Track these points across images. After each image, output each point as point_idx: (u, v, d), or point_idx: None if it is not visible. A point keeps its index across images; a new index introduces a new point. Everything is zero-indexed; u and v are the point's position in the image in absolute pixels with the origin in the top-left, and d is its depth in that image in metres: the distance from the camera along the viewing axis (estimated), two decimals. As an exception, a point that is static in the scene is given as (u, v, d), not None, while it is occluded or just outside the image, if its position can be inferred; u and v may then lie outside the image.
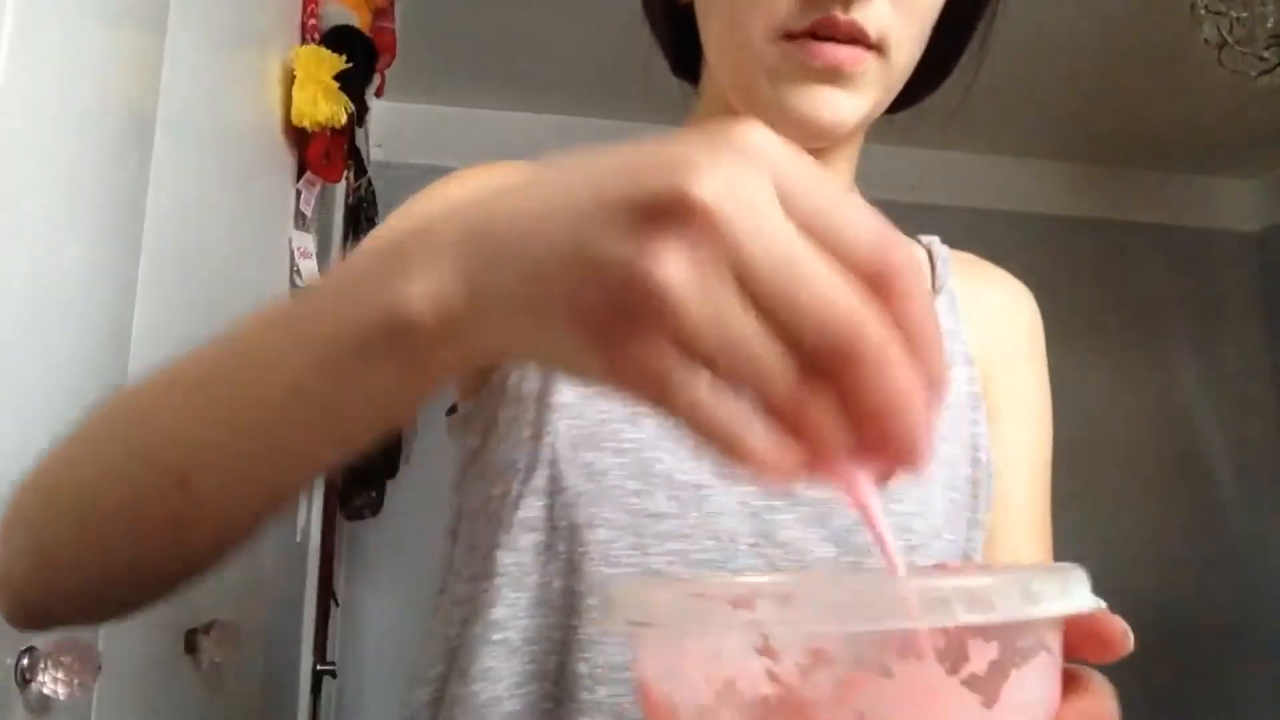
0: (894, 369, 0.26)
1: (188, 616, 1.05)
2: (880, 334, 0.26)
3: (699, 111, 0.68)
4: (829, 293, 0.26)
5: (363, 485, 2.46)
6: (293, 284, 1.58)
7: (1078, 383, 3.38)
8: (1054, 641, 0.29)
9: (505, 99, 3.05)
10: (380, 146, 3.02)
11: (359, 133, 2.01)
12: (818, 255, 0.26)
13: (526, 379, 0.60)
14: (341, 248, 2.26)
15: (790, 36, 0.55)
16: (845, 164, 0.67)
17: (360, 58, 1.64)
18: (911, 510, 0.62)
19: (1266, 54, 1.96)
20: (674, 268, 0.26)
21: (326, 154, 1.60)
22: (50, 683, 0.64)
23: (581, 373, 0.30)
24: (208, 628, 1.04)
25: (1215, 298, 3.58)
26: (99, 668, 0.68)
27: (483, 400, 0.63)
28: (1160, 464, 3.41)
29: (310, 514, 1.97)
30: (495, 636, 0.56)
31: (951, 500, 0.64)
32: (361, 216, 2.44)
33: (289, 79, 1.54)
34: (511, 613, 0.56)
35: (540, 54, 2.79)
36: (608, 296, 0.27)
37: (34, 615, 0.47)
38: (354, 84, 1.60)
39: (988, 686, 0.27)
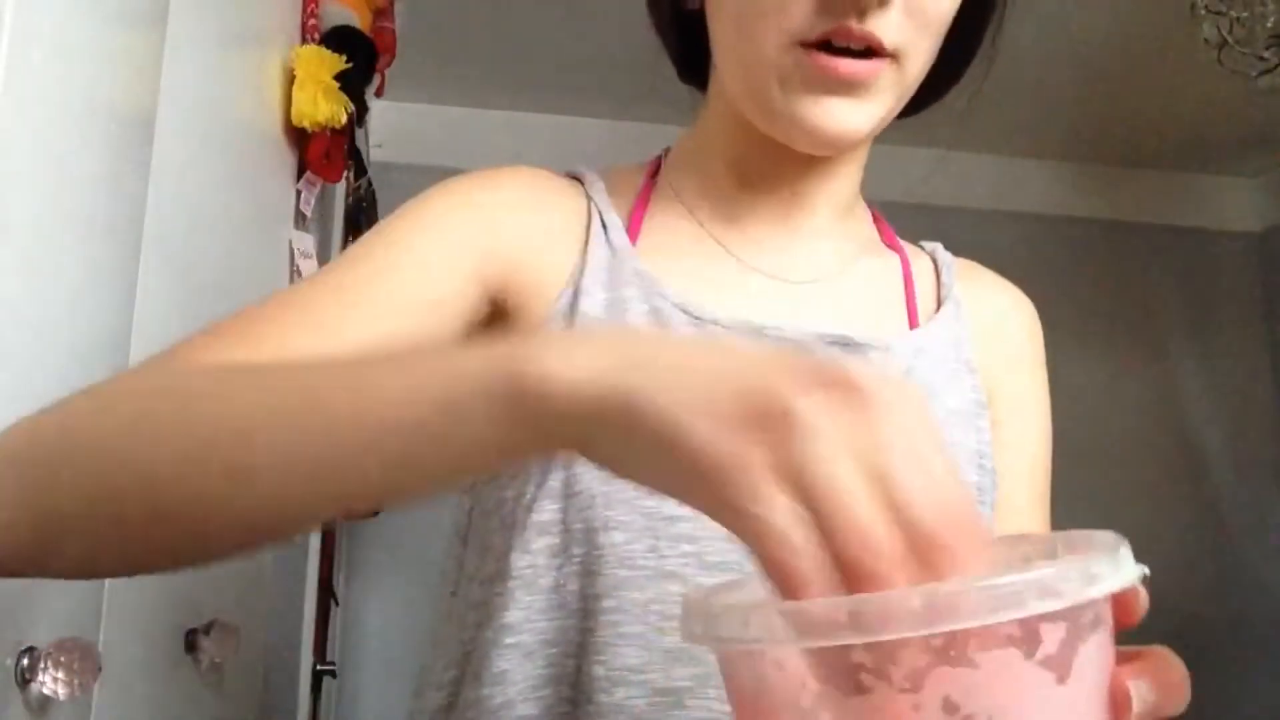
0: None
1: (188, 616, 1.05)
2: (885, 573, 0.29)
3: (706, 117, 0.68)
4: (862, 532, 0.29)
5: (363, 485, 2.46)
6: (292, 284, 1.58)
7: (1078, 382, 3.39)
8: (1107, 613, 0.32)
9: (505, 99, 3.05)
10: (380, 146, 3.02)
11: (359, 133, 2.01)
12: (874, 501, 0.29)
13: None
14: (341, 247, 2.26)
15: (804, 45, 0.55)
16: (854, 167, 0.67)
17: (360, 58, 1.64)
18: None
19: (1266, 54, 1.96)
20: (814, 406, 0.30)
21: (326, 154, 1.60)
22: (50, 683, 0.64)
23: (682, 457, 0.31)
24: (208, 628, 1.04)
25: (1215, 298, 3.58)
26: (99, 668, 0.67)
27: None
28: (1160, 463, 3.41)
29: (310, 514, 1.97)
30: (509, 640, 0.56)
31: None
32: (361, 216, 2.44)
33: (289, 79, 1.54)
34: (525, 615, 0.56)
35: (540, 54, 2.79)
36: (746, 404, 0.31)
37: (7, 557, 0.44)
38: (354, 84, 1.60)
39: (1060, 663, 0.29)
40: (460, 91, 3.03)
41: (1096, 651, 0.31)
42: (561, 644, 0.56)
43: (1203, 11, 1.99)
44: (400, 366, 0.40)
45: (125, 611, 0.85)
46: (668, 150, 0.72)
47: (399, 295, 0.56)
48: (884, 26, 0.55)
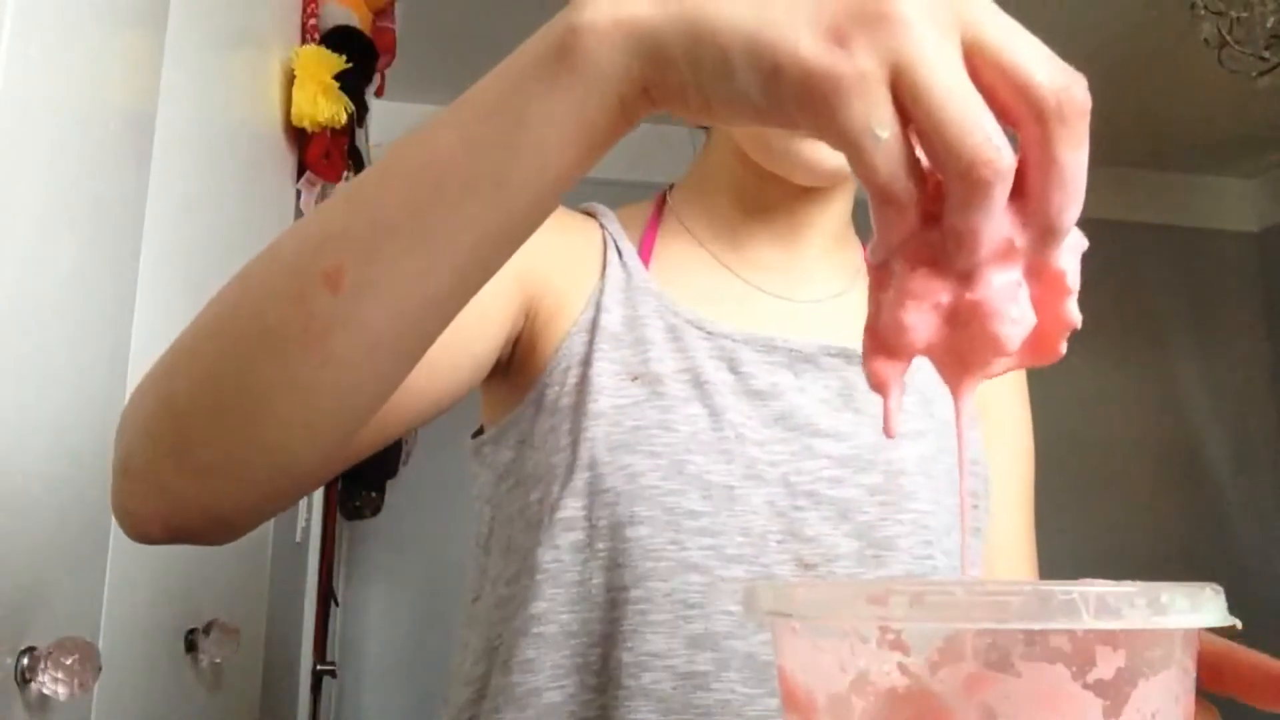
0: (987, 211, 0.29)
1: (188, 616, 1.05)
2: (993, 174, 0.28)
3: (710, 153, 0.72)
4: (970, 121, 0.28)
5: (363, 485, 2.46)
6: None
7: (1078, 382, 3.39)
8: (1188, 659, 0.30)
9: (505, 99, 3.05)
10: (380, 146, 3.02)
11: (359, 133, 2.01)
12: (973, 93, 0.29)
13: (564, 394, 0.63)
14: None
15: None
16: (846, 198, 0.71)
17: (360, 58, 1.64)
18: (926, 509, 0.65)
19: (1266, 54, 1.96)
20: (917, 5, 0.29)
21: (326, 154, 1.60)
22: (50, 683, 0.64)
23: (781, 68, 0.30)
24: (208, 628, 1.04)
25: (1215, 298, 3.59)
26: (99, 668, 0.68)
27: (516, 417, 0.66)
28: (1160, 463, 3.41)
29: (310, 514, 1.97)
30: (535, 630, 0.59)
31: (956, 504, 0.67)
32: (361, 216, 2.44)
33: (289, 79, 1.54)
34: (550, 607, 0.59)
35: (540, 54, 2.79)
36: (847, 7, 0.29)
37: (150, 498, 0.43)
38: (354, 84, 1.60)
39: (1114, 693, 0.27)
40: (460, 92, 3.02)
41: (1163, 694, 0.29)
42: (585, 634, 0.59)
43: (1203, 11, 1.99)
44: (453, 107, 0.38)
45: (125, 611, 0.85)
46: (671, 186, 0.76)
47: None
48: None
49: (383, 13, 1.92)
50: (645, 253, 0.70)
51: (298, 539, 1.84)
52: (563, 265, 0.66)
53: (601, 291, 0.66)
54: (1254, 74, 2.00)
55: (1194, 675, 0.31)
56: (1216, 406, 3.50)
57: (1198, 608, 0.28)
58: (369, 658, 2.87)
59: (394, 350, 0.39)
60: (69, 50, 0.72)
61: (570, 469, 0.60)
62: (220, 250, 1.21)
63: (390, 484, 2.55)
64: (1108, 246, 3.49)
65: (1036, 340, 0.33)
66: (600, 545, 0.59)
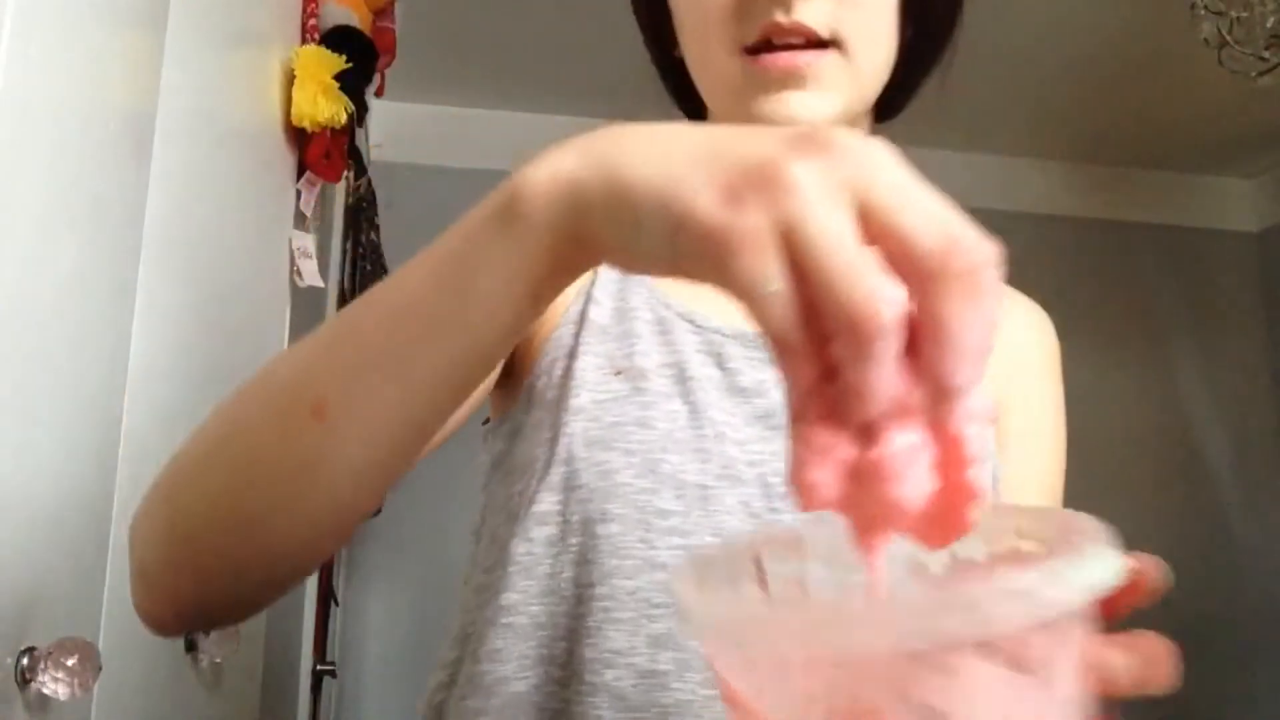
0: (875, 365, 0.29)
1: (188, 616, 1.05)
2: (876, 328, 0.28)
3: None
4: (854, 277, 0.29)
5: (363, 485, 2.46)
6: (292, 284, 1.58)
7: (1077, 382, 3.37)
8: (1091, 610, 0.31)
9: (505, 99, 3.05)
10: (380, 146, 3.02)
11: (359, 133, 2.01)
12: (858, 250, 0.29)
13: (550, 387, 0.63)
14: (342, 248, 2.26)
15: (749, 51, 0.58)
16: None
17: (360, 58, 1.64)
18: None
19: (1266, 54, 1.96)
20: (807, 169, 0.30)
21: (326, 154, 1.60)
22: (50, 683, 0.64)
23: (665, 211, 0.32)
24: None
25: (1215, 298, 3.58)
26: (99, 668, 0.68)
27: (513, 409, 0.66)
28: (1160, 463, 3.41)
29: (310, 514, 1.97)
30: (505, 620, 0.59)
31: None
32: (361, 216, 2.44)
33: (289, 79, 1.54)
34: (522, 598, 0.59)
35: (540, 54, 2.79)
36: (742, 170, 0.31)
37: (167, 602, 0.48)
38: (354, 84, 1.60)
39: (1041, 665, 0.29)
40: (460, 91, 3.03)
41: (1074, 649, 0.31)
42: (552, 627, 0.59)
43: (1203, 11, 1.99)
44: (423, 254, 0.41)
45: (125, 611, 0.85)
46: None
47: None
48: (813, 16, 0.57)
49: (383, 13, 1.92)
50: None
51: (298, 539, 1.84)
52: None
53: (593, 284, 0.66)
54: (1254, 74, 2.00)
55: (1095, 617, 0.32)
56: (1216, 406, 3.50)
57: (1105, 569, 0.29)
58: (369, 658, 2.87)
59: (379, 468, 0.43)
60: (69, 50, 0.72)
61: (548, 463, 0.60)
62: (220, 250, 1.21)
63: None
64: (1108, 246, 3.50)
65: (940, 508, 0.32)
66: (572, 540, 0.59)
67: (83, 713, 0.77)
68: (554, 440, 0.61)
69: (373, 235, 2.47)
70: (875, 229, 0.29)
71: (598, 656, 0.57)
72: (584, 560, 0.59)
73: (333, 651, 2.56)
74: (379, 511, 2.53)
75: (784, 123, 0.58)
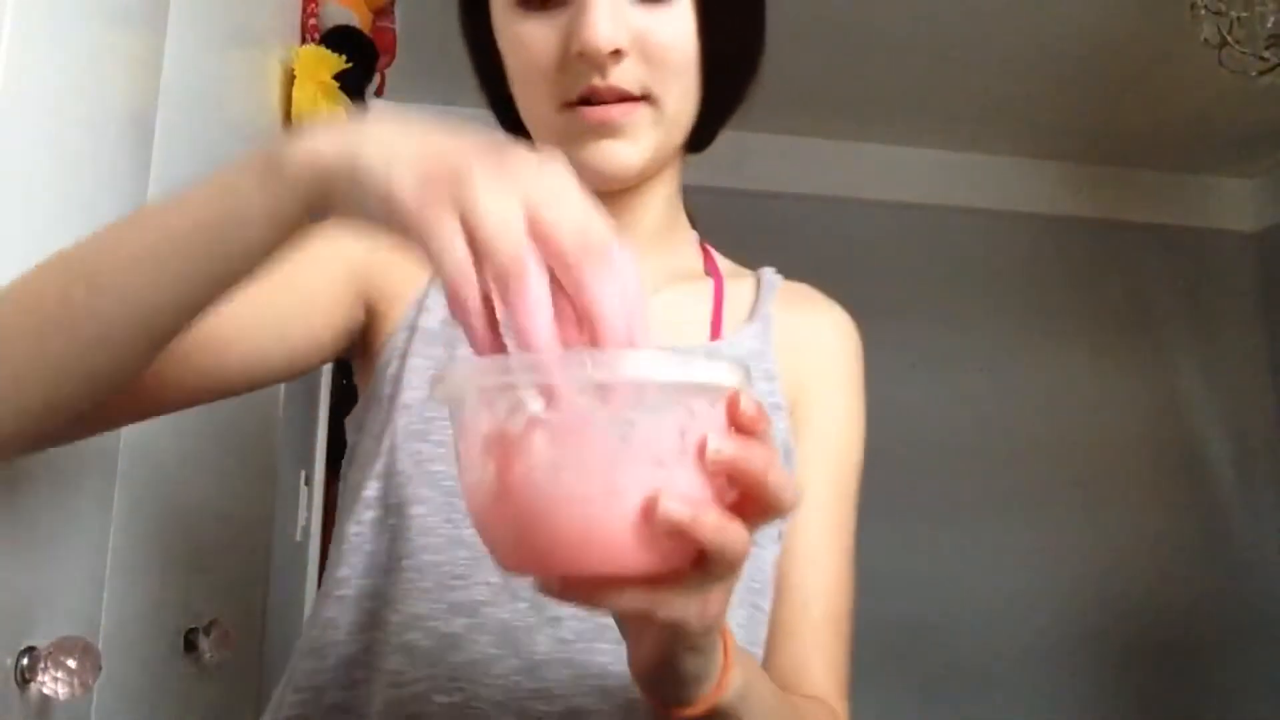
0: (524, 296, 0.39)
1: (188, 616, 1.05)
2: (519, 269, 0.39)
3: None
4: (508, 234, 0.40)
5: (363, 485, 2.46)
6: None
7: (1077, 382, 3.39)
8: (695, 403, 0.40)
9: (505, 99, 3.05)
10: (380, 146, 3.02)
11: (359, 133, 2.01)
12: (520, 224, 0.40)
13: (385, 386, 0.72)
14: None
15: (569, 105, 0.68)
16: (656, 200, 0.77)
17: (360, 58, 1.64)
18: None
19: (1266, 54, 1.97)
20: (484, 170, 0.41)
21: (326, 154, 1.60)
22: (50, 683, 0.64)
23: (387, 194, 0.43)
24: (207, 628, 1.04)
25: (1215, 298, 3.59)
26: (99, 668, 0.68)
27: (362, 407, 0.75)
28: (1160, 463, 3.41)
29: (310, 514, 1.97)
30: (337, 592, 0.68)
31: None
32: (361, 216, 2.44)
33: (289, 79, 1.54)
34: (351, 573, 0.68)
35: (540, 54, 2.79)
36: (439, 164, 0.42)
37: None
38: (354, 84, 1.60)
39: (623, 424, 0.39)
40: (460, 91, 3.02)
41: (675, 431, 0.40)
42: (374, 596, 0.67)
43: (1203, 11, 1.99)
44: (179, 196, 0.51)
45: (125, 611, 0.86)
46: None
47: (287, 274, 0.69)
48: (625, 77, 0.66)
49: (383, 13, 1.92)
50: None
51: (298, 539, 1.84)
52: (396, 267, 0.74)
53: (426, 294, 0.74)
54: (1254, 74, 2.00)
55: (709, 416, 0.41)
56: (1216, 406, 3.50)
57: (692, 370, 0.40)
58: (369, 658, 2.86)
59: (131, 342, 0.52)
60: (69, 50, 0.72)
61: (376, 454, 0.69)
62: (220, 250, 1.21)
63: (390, 484, 2.55)
64: (1108, 246, 3.50)
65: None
66: (390, 520, 0.68)
67: (83, 713, 0.77)
68: (382, 434, 0.69)
69: (373, 235, 2.47)
70: (534, 226, 0.40)
71: (401, 620, 0.65)
72: (398, 537, 0.67)
73: (333, 651, 2.56)
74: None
75: (602, 169, 0.68)
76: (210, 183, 0.50)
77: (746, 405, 0.41)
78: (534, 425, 0.39)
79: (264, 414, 1.48)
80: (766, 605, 0.72)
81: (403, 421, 0.69)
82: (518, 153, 0.42)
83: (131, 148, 0.87)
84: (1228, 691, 3.24)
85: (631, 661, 0.48)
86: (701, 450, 0.40)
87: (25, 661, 0.65)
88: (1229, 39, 1.97)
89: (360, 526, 0.69)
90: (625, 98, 0.67)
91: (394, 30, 2.01)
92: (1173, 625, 3.25)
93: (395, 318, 0.73)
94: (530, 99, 0.70)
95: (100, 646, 0.74)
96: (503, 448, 0.40)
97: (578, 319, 0.40)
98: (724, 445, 0.40)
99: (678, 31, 0.68)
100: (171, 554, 1.02)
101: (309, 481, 1.95)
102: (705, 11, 0.69)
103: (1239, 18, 1.97)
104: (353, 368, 0.78)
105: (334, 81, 1.54)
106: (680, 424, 0.40)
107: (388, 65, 1.98)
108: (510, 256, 0.39)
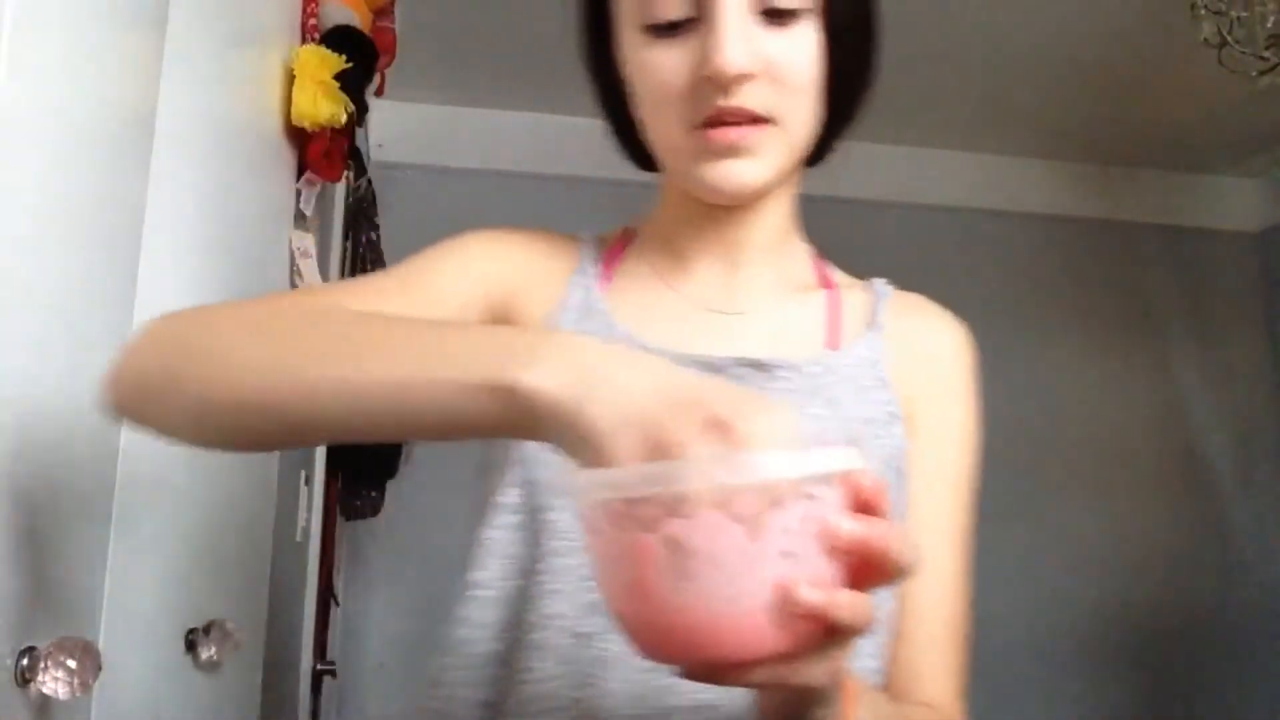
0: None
1: (188, 616, 1.05)
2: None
3: (663, 188, 0.83)
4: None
5: (363, 485, 2.46)
6: (293, 283, 1.58)
7: (1078, 382, 3.39)
8: (817, 491, 0.43)
9: (505, 99, 3.05)
10: (380, 146, 3.02)
11: (359, 132, 2.01)
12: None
13: None
14: (341, 247, 2.26)
15: (697, 127, 0.70)
16: (774, 215, 0.80)
17: (360, 58, 1.64)
18: None
19: (1266, 54, 1.97)
20: (695, 441, 0.44)
21: (326, 154, 1.60)
22: (50, 683, 0.64)
23: (602, 463, 0.45)
24: (208, 628, 1.04)
25: (1215, 297, 3.59)
26: (99, 668, 0.68)
27: None
28: (1160, 463, 3.41)
29: (310, 514, 1.97)
30: (476, 593, 0.73)
31: None
32: (361, 216, 2.44)
33: (289, 79, 1.54)
34: (490, 575, 0.73)
35: (540, 54, 2.79)
36: (650, 434, 0.44)
37: (123, 410, 0.63)
38: (354, 84, 1.60)
39: (757, 528, 0.41)
40: (460, 91, 3.03)
41: (799, 521, 0.42)
42: (513, 597, 0.72)
43: (1203, 11, 1.99)
44: (435, 336, 0.55)
45: (125, 611, 0.86)
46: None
47: (433, 293, 0.75)
48: (752, 99, 0.68)
49: (383, 13, 1.92)
50: (607, 274, 0.81)
51: (298, 539, 1.84)
52: (524, 280, 0.79)
53: (559, 310, 0.78)
54: (1254, 74, 2.00)
55: (835, 500, 0.44)
56: (1216, 406, 3.50)
57: (817, 462, 0.42)
58: (369, 658, 2.87)
59: (332, 436, 0.61)
60: (69, 50, 0.73)
61: (510, 463, 0.73)
62: (220, 250, 1.21)
63: (390, 484, 2.55)
64: (1108, 246, 3.50)
65: None
66: (528, 526, 0.72)
67: (83, 713, 0.77)
68: (515, 445, 0.73)
69: (373, 235, 2.47)
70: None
71: (541, 619, 0.69)
72: (536, 541, 0.71)
73: (333, 651, 2.56)
74: (379, 511, 2.54)
75: (727, 187, 0.71)
76: (439, 378, 0.52)
77: (866, 484, 0.44)
78: (668, 531, 0.41)
79: (264, 414, 1.48)
80: (885, 629, 0.75)
81: None
82: (729, 414, 0.44)
83: (131, 148, 0.87)
84: (1227, 691, 3.24)
85: (761, 708, 0.52)
86: (827, 533, 0.43)
87: (25, 661, 0.65)
88: (1229, 39, 1.97)
89: (497, 531, 0.73)
90: (752, 119, 0.69)
91: (394, 30, 2.01)
92: (1172, 625, 3.25)
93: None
94: (659, 121, 0.72)
95: (100, 646, 0.74)
96: (638, 552, 0.42)
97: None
98: (850, 527, 0.43)
99: (803, 54, 0.70)
100: (172, 554, 1.02)
101: (309, 481, 1.95)
102: (829, 32, 0.71)
103: (1239, 18, 1.97)
104: None
105: (334, 81, 1.54)
106: (805, 512, 0.42)
107: (388, 65, 1.98)
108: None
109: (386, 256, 2.49)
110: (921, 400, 0.80)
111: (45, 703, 0.67)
